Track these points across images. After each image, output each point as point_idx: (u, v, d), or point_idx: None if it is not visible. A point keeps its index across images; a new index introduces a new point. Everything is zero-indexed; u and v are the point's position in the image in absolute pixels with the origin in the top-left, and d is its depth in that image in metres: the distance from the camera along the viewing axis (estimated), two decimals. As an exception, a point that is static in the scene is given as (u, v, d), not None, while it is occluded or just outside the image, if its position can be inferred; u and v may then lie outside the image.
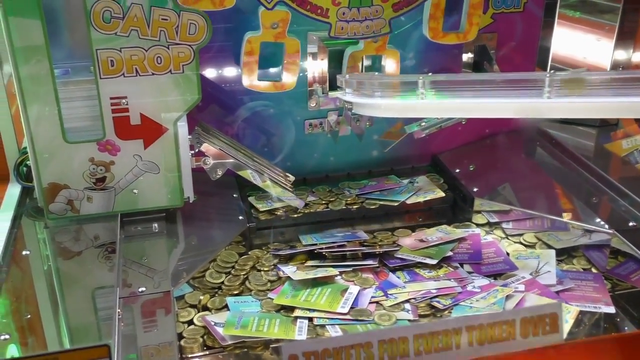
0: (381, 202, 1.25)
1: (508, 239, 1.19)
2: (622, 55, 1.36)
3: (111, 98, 1.00)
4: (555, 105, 0.91)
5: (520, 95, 0.93)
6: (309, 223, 1.21)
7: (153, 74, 0.99)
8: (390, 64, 1.23)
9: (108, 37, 0.96)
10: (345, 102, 1.11)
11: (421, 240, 1.15)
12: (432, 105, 0.98)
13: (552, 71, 0.93)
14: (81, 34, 0.97)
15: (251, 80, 1.16)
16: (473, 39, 1.24)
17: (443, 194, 1.26)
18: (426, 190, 1.28)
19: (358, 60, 1.21)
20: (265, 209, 1.21)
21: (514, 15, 1.28)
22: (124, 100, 1.00)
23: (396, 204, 1.24)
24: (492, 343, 0.65)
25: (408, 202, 1.25)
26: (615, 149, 1.34)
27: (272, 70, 1.19)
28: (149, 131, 1.03)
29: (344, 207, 1.23)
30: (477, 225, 1.22)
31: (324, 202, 1.25)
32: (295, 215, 1.21)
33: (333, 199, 1.26)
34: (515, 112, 0.95)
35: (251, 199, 1.24)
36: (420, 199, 1.26)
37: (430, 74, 1.00)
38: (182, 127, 1.04)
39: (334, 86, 1.20)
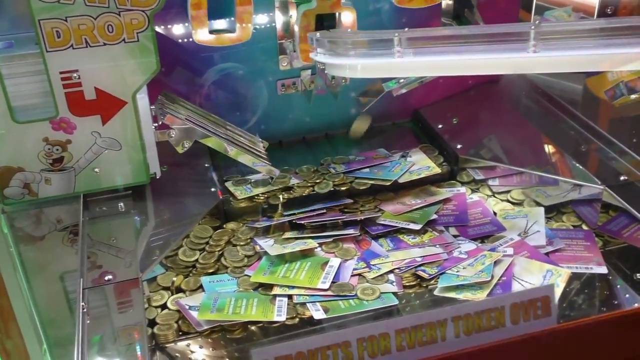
0: (372, 182, 1.12)
1: (495, 197, 1.14)
2: (611, -13, 1.28)
3: (61, 72, 0.92)
4: (541, 60, 0.85)
5: (503, 50, 0.86)
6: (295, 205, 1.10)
7: (105, 44, 0.91)
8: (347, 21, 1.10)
9: (50, 5, 0.87)
10: (318, 62, 1.03)
11: (404, 204, 1.10)
12: (411, 63, 0.91)
13: (537, 22, 0.86)
14: (24, 1, 0.89)
15: (202, 34, 1.06)
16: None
17: (439, 170, 1.14)
18: (420, 166, 1.15)
19: (312, 19, 1.08)
20: (244, 196, 1.10)
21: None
22: (75, 74, 0.92)
23: (388, 183, 1.11)
24: (480, 332, 0.61)
25: (401, 180, 1.12)
26: (600, 81, 1.28)
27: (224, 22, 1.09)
28: (106, 106, 0.96)
29: (332, 189, 1.11)
30: (462, 183, 1.16)
31: (309, 184, 1.12)
32: (278, 203, 1.10)
33: (319, 180, 1.13)
34: (499, 69, 0.89)
35: (228, 185, 1.12)
36: (414, 177, 1.12)
37: (407, 29, 0.93)
38: (142, 99, 0.97)
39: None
